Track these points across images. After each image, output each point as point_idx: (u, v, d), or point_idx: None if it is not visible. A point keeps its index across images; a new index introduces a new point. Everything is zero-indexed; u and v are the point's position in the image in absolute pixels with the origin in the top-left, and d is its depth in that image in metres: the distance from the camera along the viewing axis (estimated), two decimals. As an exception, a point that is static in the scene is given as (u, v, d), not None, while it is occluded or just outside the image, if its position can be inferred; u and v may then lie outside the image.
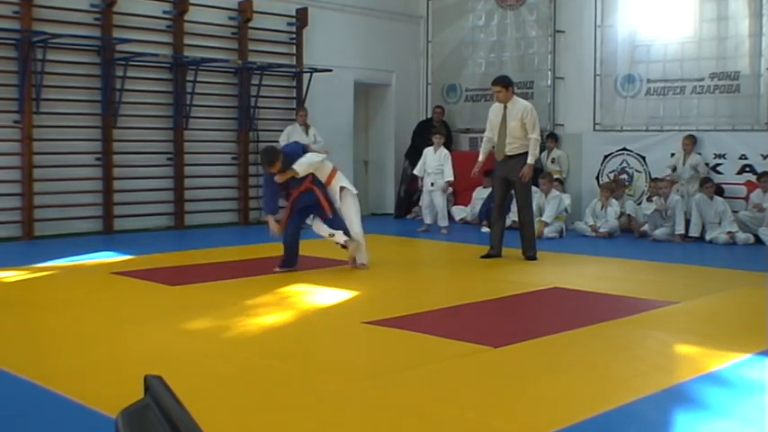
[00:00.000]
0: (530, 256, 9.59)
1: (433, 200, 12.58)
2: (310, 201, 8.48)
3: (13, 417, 4.07)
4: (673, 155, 12.21)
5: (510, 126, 9.38)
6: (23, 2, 10.79)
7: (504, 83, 9.54)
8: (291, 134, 12.97)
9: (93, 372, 4.83)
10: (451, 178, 12.44)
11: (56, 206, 11.22)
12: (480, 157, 9.85)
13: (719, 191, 11.65)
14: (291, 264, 8.51)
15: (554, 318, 6.48)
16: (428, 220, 12.61)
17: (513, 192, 9.64)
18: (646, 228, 11.90)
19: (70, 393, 4.30)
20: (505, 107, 9.47)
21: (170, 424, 1.59)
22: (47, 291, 7.54)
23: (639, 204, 12.51)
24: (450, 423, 3.96)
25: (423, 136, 14.22)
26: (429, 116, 15.10)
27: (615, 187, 12.68)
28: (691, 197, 11.76)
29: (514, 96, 9.64)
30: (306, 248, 8.88)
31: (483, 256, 9.59)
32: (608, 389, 4.59)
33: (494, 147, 9.59)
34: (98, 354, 5.26)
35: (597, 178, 13.26)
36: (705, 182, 11.60)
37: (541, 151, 13.64)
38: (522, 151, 9.37)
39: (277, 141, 13.10)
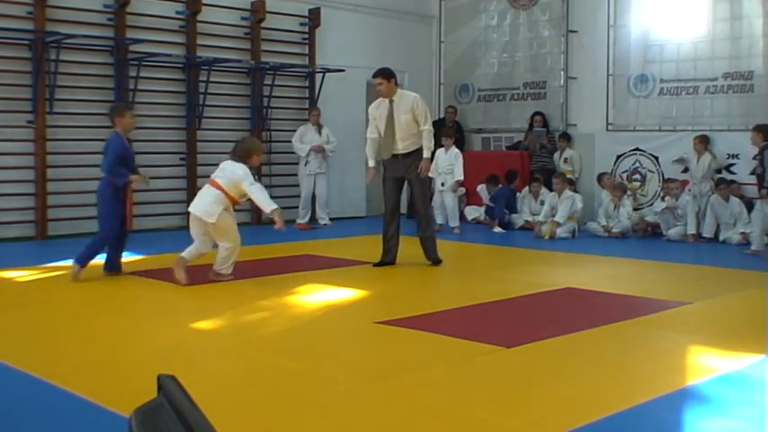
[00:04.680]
0: (435, 260, 8.94)
1: (444, 200, 12.56)
2: None
3: (27, 415, 4.09)
4: (685, 155, 12.12)
5: (401, 121, 8.72)
6: (37, 2, 10.84)
7: (385, 74, 8.82)
8: (304, 134, 13.00)
9: (107, 371, 4.84)
10: (461, 178, 12.41)
11: (69, 206, 11.25)
12: (371, 163, 9.13)
13: (738, 192, 11.54)
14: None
15: (566, 318, 6.47)
16: (440, 220, 12.60)
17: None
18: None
19: (84, 392, 4.32)
20: (391, 101, 8.81)
21: (183, 423, 1.60)
22: (60, 290, 7.56)
23: (651, 205, 12.49)
24: (462, 423, 3.96)
25: (436, 136, 14.18)
26: (441, 116, 15.08)
27: (612, 183, 12.56)
28: (704, 197, 11.71)
29: (399, 89, 8.97)
30: (317, 249, 8.88)
31: (376, 264, 8.91)
32: (621, 389, 4.57)
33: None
34: (111, 353, 5.28)
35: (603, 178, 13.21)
36: (720, 183, 11.54)
37: (546, 150, 13.65)
38: (415, 148, 8.78)
39: (290, 141, 13.15)
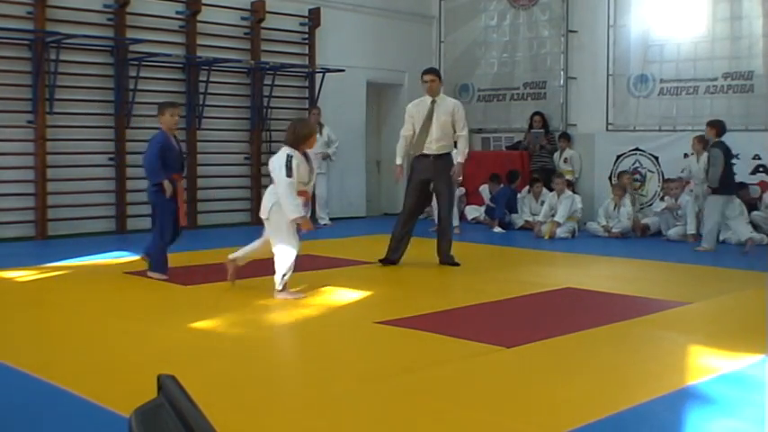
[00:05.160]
0: (450, 260, 8.89)
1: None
2: None
3: (27, 416, 4.09)
4: (686, 155, 12.15)
5: (440, 122, 8.75)
6: (37, 2, 10.84)
7: (437, 72, 8.99)
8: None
9: (107, 371, 4.84)
10: (459, 178, 12.38)
11: (69, 206, 11.26)
12: (399, 161, 9.00)
13: (745, 193, 11.55)
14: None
15: (567, 318, 6.47)
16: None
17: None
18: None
19: (83, 392, 4.32)
20: (434, 101, 8.88)
21: (183, 423, 1.60)
22: (60, 290, 7.56)
23: (651, 206, 12.50)
24: (462, 423, 3.95)
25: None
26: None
27: (623, 182, 12.58)
28: (705, 197, 11.70)
29: (441, 92, 9.00)
30: (317, 249, 8.88)
31: (382, 260, 8.89)
32: (621, 389, 4.57)
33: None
34: (111, 353, 5.28)
35: (610, 178, 13.22)
36: None
37: (545, 150, 13.66)
38: (446, 151, 8.83)
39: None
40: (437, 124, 8.77)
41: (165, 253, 8.04)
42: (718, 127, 10.53)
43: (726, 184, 10.41)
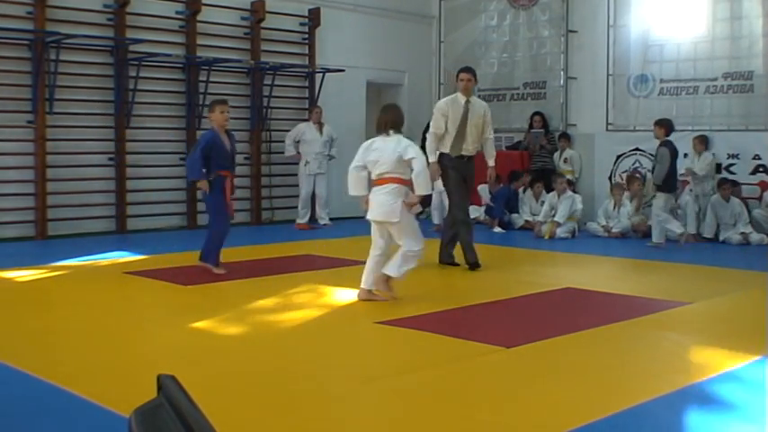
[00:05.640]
0: (475, 263, 8.81)
1: (443, 200, 12.54)
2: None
3: (26, 416, 4.09)
4: (686, 155, 12.15)
5: (474, 123, 8.74)
6: (37, 2, 10.83)
7: (474, 72, 8.89)
8: (305, 132, 12.96)
9: (106, 371, 4.84)
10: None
11: (69, 206, 11.26)
12: (433, 158, 8.65)
13: (737, 191, 11.58)
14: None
15: (566, 318, 6.46)
16: (437, 221, 12.59)
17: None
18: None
19: (83, 392, 4.32)
20: (468, 101, 8.81)
21: (183, 423, 1.60)
22: (60, 290, 7.56)
23: (650, 206, 12.49)
24: (462, 423, 3.95)
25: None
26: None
27: (630, 184, 12.58)
28: (705, 197, 11.72)
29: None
30: (317, 249, 8.88)
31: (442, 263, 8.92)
32: (621, 389, 4.57)
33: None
34: (111, 353, 5.28)
35: (610, 178, 13.22)
36: (722, 183, 11.54)
37: (545, 150, 13.66)
38: (477, 152, 8.93)
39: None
40: (471, 125, 8.78)
41: (217, 246, 8.22)
42: (666, 126, 10.64)
43: (668, 183, 10.58)
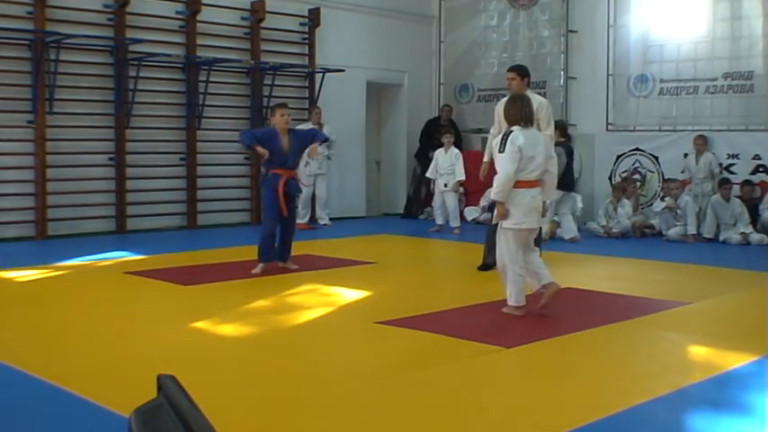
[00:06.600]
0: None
1: (445, 200, 12.57)
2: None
3: (27, 415, 4.09)
4: (686, 155, 12.16)
5: None
6: (37, 2, 10.84)
7: (519, 71, 8.50)
8: (304, 132, 12.96)
9: (106, 371, 4.84)
10: (463, 178, 12.41)
11: (69, 206, 11.26)
12: (486, 158, 8.77)
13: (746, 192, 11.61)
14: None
15: (566, 318, 6.46)
16: (440, 221, 12.60)
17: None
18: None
19: (83, 392, 4.32)
20: None
21: (183, 423, 1.60)
22: (60, 290, 7.56)
23: (651, 206, 12.50)
24: (462, 423, 3.95)
25: (431, 135, 14.21)
26: (438, 115, 15.07)
27: (626, 186, 12.63)
28: (705, 197, 11.73)
29: (529, 90, 8.49)
30: (317, 249, 8.87)
31: (480, 268, 8.77)
32: (621, 389, 4.57)
33: None
34: (111, 353, 5.28)
35: (610, 178, 13.22)
36: (723, 183, 11.54)
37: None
38: None
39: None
40: None
41: (270, 243, 8.42)
42: (561, 128, 10.72)
43: (564, 182, 10.55)
